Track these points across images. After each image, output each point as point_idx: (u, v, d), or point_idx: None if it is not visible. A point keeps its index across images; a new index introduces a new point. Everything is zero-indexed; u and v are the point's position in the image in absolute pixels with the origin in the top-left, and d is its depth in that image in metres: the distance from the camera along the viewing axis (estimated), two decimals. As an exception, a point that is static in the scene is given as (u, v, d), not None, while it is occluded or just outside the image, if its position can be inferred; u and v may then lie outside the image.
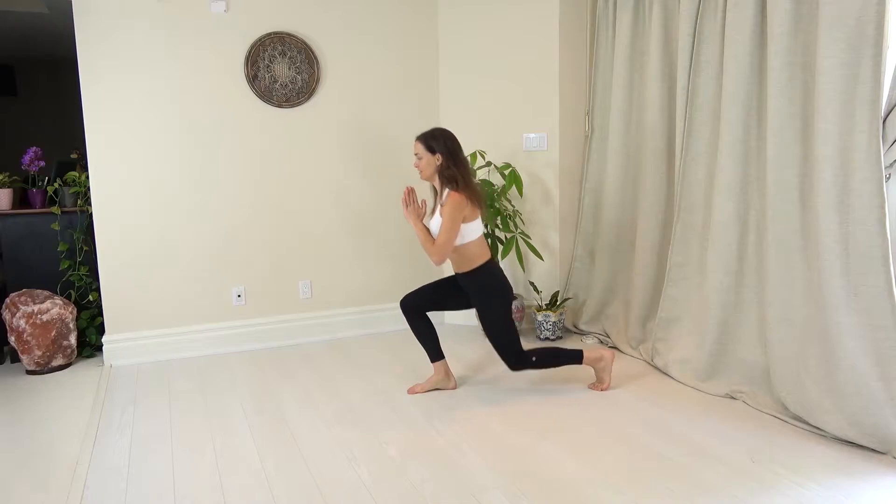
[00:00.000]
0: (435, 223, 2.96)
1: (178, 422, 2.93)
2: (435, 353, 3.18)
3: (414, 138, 3.03)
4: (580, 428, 2.75)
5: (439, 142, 2.93)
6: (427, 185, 3.12)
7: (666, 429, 2.71)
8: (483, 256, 3.00)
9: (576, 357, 3.07)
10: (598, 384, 3.18)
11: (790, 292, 2.80)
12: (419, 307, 3.13)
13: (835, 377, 2.52)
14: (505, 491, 2.24)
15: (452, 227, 2.85)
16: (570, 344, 3.95)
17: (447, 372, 3.21)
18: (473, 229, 2.94)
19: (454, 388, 3.23)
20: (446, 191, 2.93)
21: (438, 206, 2.98)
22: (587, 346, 3.15)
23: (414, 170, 3.52)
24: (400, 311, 3.16)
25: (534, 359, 3.02)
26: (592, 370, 3.20)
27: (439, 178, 2.96)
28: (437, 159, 2.93)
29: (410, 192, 3.03)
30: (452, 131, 3.02)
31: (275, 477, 2.39)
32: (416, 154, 2.98)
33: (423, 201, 3.09)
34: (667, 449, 2.52)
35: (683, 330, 3.38)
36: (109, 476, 2.44)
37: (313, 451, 2.59)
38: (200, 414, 3.00)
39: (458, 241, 2.92)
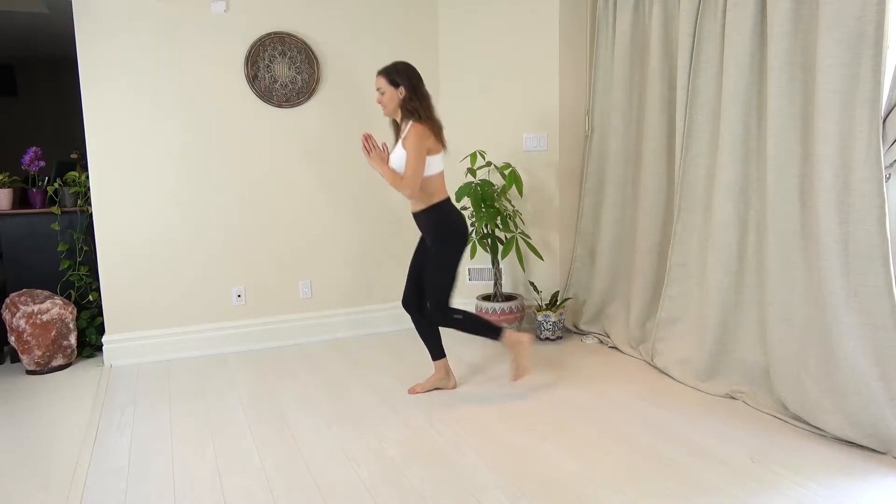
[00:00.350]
0: (395, 157, 2.94)
1: (178, 422, 2.93)
2: (436, 352, 3.18)
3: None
4: (580, 428, 2.75)
5: (402, 75, 2.93)
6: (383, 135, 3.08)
7: (666, 429, 2.71)
8: (441, 193, 2.99)
9: (496, 331, 3.04)
10: (518, 372, 3.08)
11: (790, 292, 2.80)
12: (418, 302, 3.13)
13: (835, 377, 2.52)
14: (505, 491, 2.24)
15: (419, 157, 2.84)
16: (570, 344, 3.96)
17: (447, 371, 3.21)
18: (435, 163, 2.94)
19: (454, 387, 3.23)
20: (408, 124, 2.91)
21: (400, 141, 2.96)
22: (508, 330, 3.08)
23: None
24: (402, 310, 3.17)
25: (458, 317, 3.00)
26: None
27: (402, 111, 2.94)
28: (401, 93, 2.92)
29: (368, 137, 3.00)
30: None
31: (275, 477, 2.39)
32: (378, 89, 2.96)
33: (384, 144, 3.07)
34: (667, 449, 2.52)
35: (683, 330, 3.38)
36: (109, 476, 2.44)
37: (313, 451, 2.59)
38: (200, 414, 3.00)
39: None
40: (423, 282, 3.10)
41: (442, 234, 3.00)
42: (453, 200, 3.15)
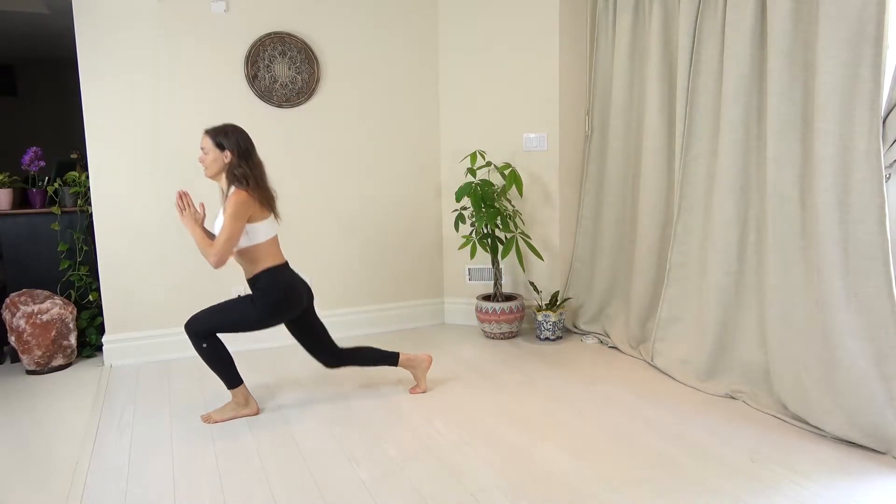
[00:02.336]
0: (218, 223, 2.78)
1: (178, 422, 2.93)
2: (389, 357, 3.12)
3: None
4: (580, 428, 2.75)
5: (230, 139, 2.76)
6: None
7: (666, 428, 2.71)
8: (272, 259, 2.85)
9: (234, 379, 2.91)
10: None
11: (790, 292, 2.80)
12: (330, 351, 3.04)
13: (835, 377, 2.52)
14: (505, 491, 2.24)
15: (234, 226, 2.67)
16: (570, 344, 3.96)
17: (412, 358, 3.17)
18: (263, 230, 2.80)
19: (430, 360, 3.20)
20: (231, 189, 2.76)
21: (222, 208, 2.79)
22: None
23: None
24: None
25: (204, 345, 2.80)
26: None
27: (226, 176, 2.78)
28: (226, 157, 2.75)
29: (184, 195, 2.80)
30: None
31: (275, 477, 2.39)
32: (202, 148, 2.79)
33: (202, 204, 2.92)
34: (667, 449, 2.52)
35: (683, 330, 3.39)
36: (109, 476, 2.44)
37: (313, 451, 2.59)
38: (200, 414, 3.00)
39: (245, 243, 2.77)
40: (314, 336, 3.01)
41: (262, 295, 2.81)
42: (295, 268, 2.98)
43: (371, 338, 4.19)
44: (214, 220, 2.86)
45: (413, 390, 3.20)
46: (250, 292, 2.87)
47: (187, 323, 2.82)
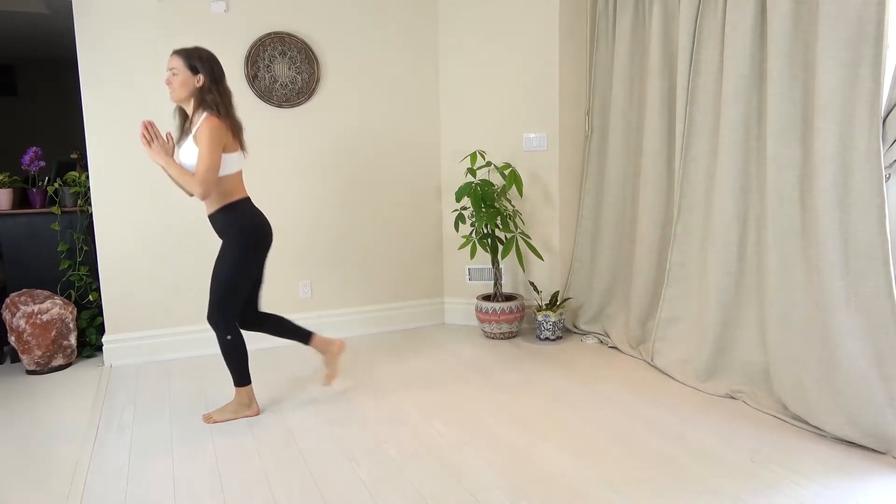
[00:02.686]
0: (185, 152, 2.69)
1: (178, 422, 2.93)
2: (303, 333, 3.12)
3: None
4: (580, 428, 2.75)
5: (205, 63, 2.67)
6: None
7: (666, 429, 2.71)
8: (238, 193, 2.79)
9: (244, 378, 2.93)
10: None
11: (790, 292, 2.80)
12: (256, 311, 3.02)
13: (835, 377, 2.52)
14: (505, 491, 2.24)
15: (213, 153, 2.59)
16: (570, 344, 3.96)
17: (329, 342, 3.17)
18: (233, 162, 2.73)
19: (341, 346, 3.20)
20: (202, 115, 2.66)
21: (189, 135, 2.69)
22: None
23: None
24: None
25: (228, 337, 2.83)
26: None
27: (195, 101, 2.68)
28: (198, 81, 2.66)
29: (149, 125, 2.68)
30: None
31: (275, 477, 2.39)
32: (171, 69, 2.67)
33: (168, 134, 2.79)
34: (667, 449, 2.52)
35: (683, 330, 3.39)
36: (109, 476, 2.44)
37: (313, 451, 2.59)
38: (200, 414, 3.00)
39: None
40: (252, 286, 2.94)
41: (233, 233, 2.78)
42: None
43: (371, 338, 4.20)
44: (180, 150, 2.76)
45: (326, 380, 3.20)
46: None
47: (208, 317, 2.84)
